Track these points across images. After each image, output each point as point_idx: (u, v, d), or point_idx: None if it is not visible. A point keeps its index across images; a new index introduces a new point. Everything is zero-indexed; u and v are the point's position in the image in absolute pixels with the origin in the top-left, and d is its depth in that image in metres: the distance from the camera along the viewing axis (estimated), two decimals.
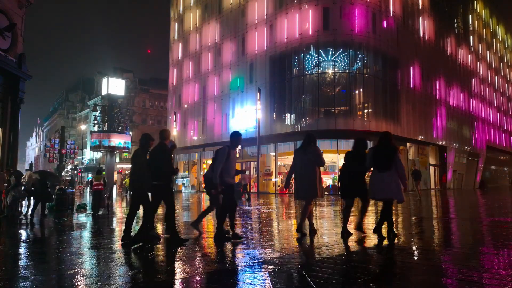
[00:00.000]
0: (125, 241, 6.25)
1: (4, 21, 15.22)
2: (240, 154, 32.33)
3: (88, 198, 24.38)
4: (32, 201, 12.39)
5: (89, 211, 13.86)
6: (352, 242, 6.17)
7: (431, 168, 35.41)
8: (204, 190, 7.73)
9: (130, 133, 24.93)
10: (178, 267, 4.61)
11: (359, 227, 6.69)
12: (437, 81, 36.92)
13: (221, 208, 6.75)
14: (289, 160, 30.28)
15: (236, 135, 6.78)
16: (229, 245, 6.00)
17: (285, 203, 17.98)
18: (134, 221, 6.99)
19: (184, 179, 40.82)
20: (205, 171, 8.67)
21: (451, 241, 6.71)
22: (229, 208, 6.52)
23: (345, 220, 6.56)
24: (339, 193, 6.95)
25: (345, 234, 6.40)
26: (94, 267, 4.76)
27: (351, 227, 6.88)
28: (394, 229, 6.40)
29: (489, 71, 51.87)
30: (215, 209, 7.31)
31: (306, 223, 6.98)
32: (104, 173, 15.79)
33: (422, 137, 33.01)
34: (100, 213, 12.99)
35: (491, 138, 50.05)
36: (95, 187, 13.09)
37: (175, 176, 6.71)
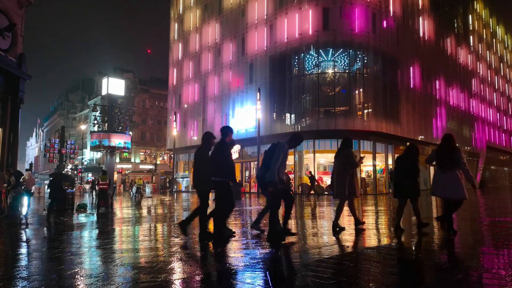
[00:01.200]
0: (201, 238, 6.33)
1: (4, 21, 15.22)
2: (240, 154, 32.34)
3: (88, 198, 24.39)
4: (29, 201, 12.47)
5: (89, 211, 13.88)
6: (352, 242, 6.17)
7: (431, 168, 35.43)
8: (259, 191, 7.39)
9: (130, 133, 24.91)
10: (178, 267, 4.61)
11: (419, 225, 7.03)
12: (437, 81, 36.92)
13: (269, 207, 6.59)
14: (289, 160, 30.29)
15: (299, 138, 6.68)
16: (283, 244, 6.04)
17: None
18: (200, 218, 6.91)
19: (184, 179, 40.83)
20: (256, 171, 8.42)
21: (451, 241, 6.71)
22: (286, 205, 6.57)
23: (398, 218, 7.02)
24: (392, 192, 7.52)
25: (398, 230, 6.89)
26: (94, 267, 4.76)
27: (346, 227, 6.86)
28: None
29: (489, 71, 51.86)
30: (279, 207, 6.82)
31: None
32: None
33: (422, 137, 33.00)
34: (100, 211, 13.11)
35: (491, 138, 50.04)
36: (101, 186, 13.38)
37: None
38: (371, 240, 6.57)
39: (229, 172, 6.43)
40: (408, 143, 7.34)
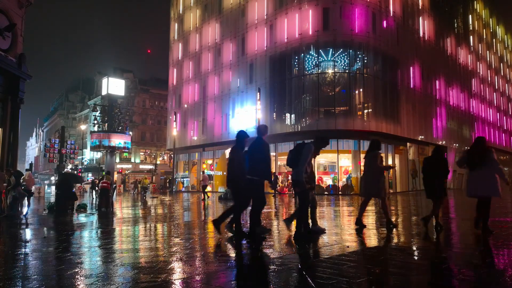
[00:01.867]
0: (250, 234, 6.39)
1: (4, 21, 15.22)
2: None
3: (88, 198, 24.38)
4: (29, 201, 12.62)
5: (89, 211, 13.88)
6: (352, 242, 6.17)
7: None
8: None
9: (130, 133, 24.90)
10: (178, 267, 4.61)
11: (437, 225, 7.39)
12: (437, 81, 36.91)
13: (301, 206, 6.60)
14: None
15: (325, 142, 6.70)
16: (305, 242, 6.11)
17: (285, 203, 17.98)
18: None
19: (184, 179, 40.83)
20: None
21: (451, 241, 6.71)
22: (309, 204, 6.60)
23: (435, 215, 7.43)
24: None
25: (438, 227, 7.30)
26: (94, 267, 4.76)
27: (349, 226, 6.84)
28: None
29: (489, 71, 51.85)
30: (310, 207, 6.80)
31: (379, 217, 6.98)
32: (104, 173, 15.96)
33: (422, 137, 33.00)
34: (102, 209, 13.22)
35: (491, 138, 50.04)
36: (103, 185, 13.71)
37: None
38: (371, 240, 6.57)
39: (266, 172, 6.48)
40: (436, 146, 7.89)
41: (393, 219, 9.86)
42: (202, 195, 21.23)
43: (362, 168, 29.12)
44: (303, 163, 6.22)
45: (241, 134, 6.78)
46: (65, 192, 12.75)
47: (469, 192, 6.97)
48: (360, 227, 7.45)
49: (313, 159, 6.68)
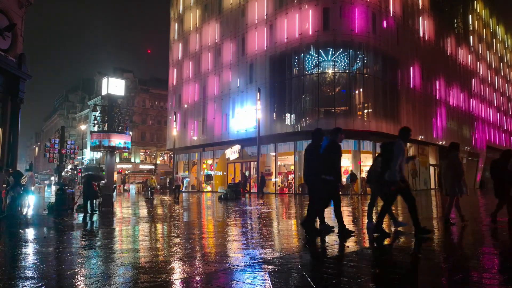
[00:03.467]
0: (307, 232, 6.69)
1: (4, 21, 15.21)
2: (240, 154, 32.34)
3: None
4: (28, 201, 12.68)
5: (89, 211, 13.90)
6: (352, 242, 6.17)
7: (431, 168, 35.39)
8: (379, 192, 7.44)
9: (130, 133, 24.81)
10: (178, 267, 4.61)
11: (510, 224, 7.58)
12: (437, 81, 36.91)
13: (386, 205, 6.68)
14: (289, 160, 30.32)
15: (408, 130, 7.08)
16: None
17: (285, 203, 17.98)
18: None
19: (184, 179, 40.80)
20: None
21: (451, 241, 6.71)
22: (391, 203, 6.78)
23: (495, 213, 7.96)
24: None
25: (510, 225, 7.48)
26: (94, 267, 4.75)
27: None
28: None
29: (489, 71, 51.84)
30: (385, 206, 6.77)
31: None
32: (104, 173, 16.01)
33: (422, 137, 33.00)
34: (103, 209, 13.39)
35: (491, 138, 50.04)
36: (95, 186, 13.83)
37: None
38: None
39: (340, 174, 6.67)
40: (504, 151, 8.46)
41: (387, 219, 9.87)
42: (174, 194, 22.63)
43: (362, 168, 29.15)
44: (396, 163, 6.27)
45: (318, 133, 7.00)
46: (86, 191, 13.52)
47: None
48: (448, 224, 7.73)
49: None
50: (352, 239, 6.44)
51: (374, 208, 7.85)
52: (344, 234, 6.50)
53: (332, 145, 6.67)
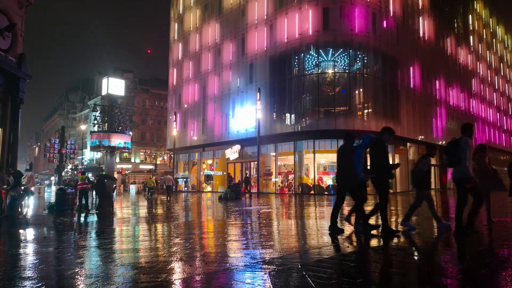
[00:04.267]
0: (332, 231, 6.74)
1: (4, 21, 15.21)
2: (240, 154, 32.34)
3: (89, 198, 24.34)
4: (28, 201, 12.79)
5: (91, 211, 13.90)
6: (352, 242, 6.17)
7: (431, 168, 35.42)
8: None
9: (130, 133, 24.83)
10: (178, 267, 4.61)
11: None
12: (437, 81, 36.91)
13: (476, 202, 6.60)
14: (289, 160, 30.31)
15: (470, 125, 7.02)
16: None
17: (285, 203, 17.98)
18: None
19: (184, 179, 40.80)
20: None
21: (451, 241, 6.71)
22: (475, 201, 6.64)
23: None
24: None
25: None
26: (94, 267, 4.75)
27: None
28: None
29: (489, 71, 51.84)
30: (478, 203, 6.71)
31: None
32: (104, 173, 16.03)
33: (422, 137, 32.99)
34: (103, 209, 13.51)
35: (491, 138, 50.04)
36: (84, 186, 14.15)
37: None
38: (371, 240, 6.56)
39: (390, 171, 6.77)
40: None
41: (393, 219, 9.86)
42: (167, 195, 23.17)
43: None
44: (465, 159, 6.25)
45: (350, 135, 7.19)
46: (98, 191, 14.47)
47: None
48: (491, 222, 7.80)
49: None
50: (352, 239, 6.44)
51: (433, 209, 7.70)
52: (387, 233, 6.54)
53: (381, 144, 6.77)
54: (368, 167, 6.92)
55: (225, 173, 34.85)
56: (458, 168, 6.29)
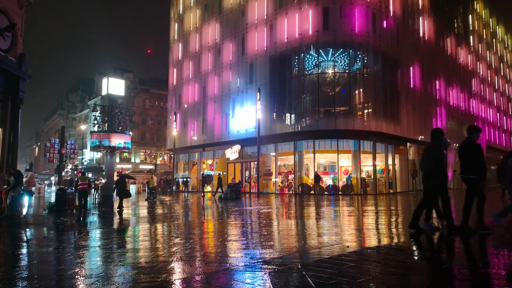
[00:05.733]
0: (412, 228, 6.88)
1: (4, 21, 15.22)
2: (240, 154, 32.34)
3: (89, 198, 24.35)
4: (29, 201, 12.79)
5: (91, 211, 13.91)
6: (352, 242, 6.17)
7: None
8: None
9: (130, 133, 24.81)
10: (178, 267, 4.61)
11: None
12: (437, 81, 36.90)
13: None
14: (289, 160, 30.30)
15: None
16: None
17: (285, 203, 17.98)
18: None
19: (184, 179, 40.77)
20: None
21: (451, 241, 6.70)
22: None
23: None
24: None
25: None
26: (94, 267, 4.76)
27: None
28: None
29: (489, 71, 51.84)
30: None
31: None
32: (104, 173, 16.10)
33: (422, 137, 32.98)
34: (103, 209, 13.57)
35: (491, 138, 50.04)
36: (84, 186, 14.18)
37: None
38: (371, 240, 6.57)
39: (483, 171, 6.76)
40: None
41: (393, 219, 9.87)
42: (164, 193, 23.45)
43: (362, 168, 29.26)
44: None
45: (439, 132, 7.10)
46: (119, 190, 15.01)
47: None
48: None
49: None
50: (352, 239, 6.43)
51: None
52: (452, 231, 6.63)
53: (474, 145, 6.80)
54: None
55: (224, 173, 34.85)
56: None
